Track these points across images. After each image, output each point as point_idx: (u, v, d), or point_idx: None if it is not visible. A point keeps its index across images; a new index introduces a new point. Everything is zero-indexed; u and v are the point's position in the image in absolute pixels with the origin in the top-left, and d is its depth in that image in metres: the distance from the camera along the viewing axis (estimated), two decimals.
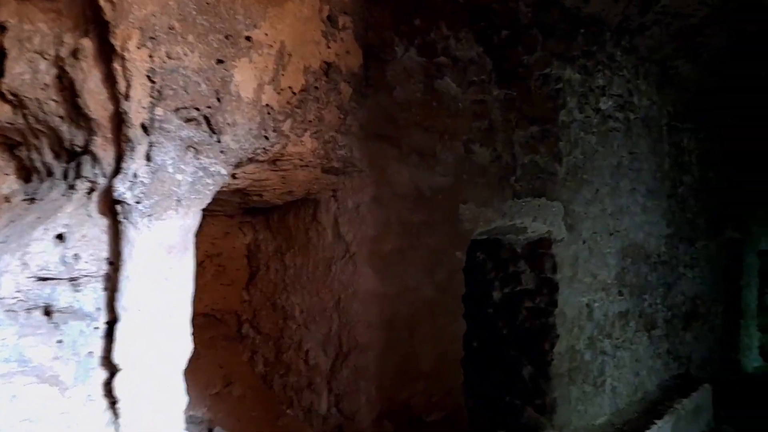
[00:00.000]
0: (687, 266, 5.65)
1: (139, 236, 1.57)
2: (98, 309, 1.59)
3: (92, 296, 1.58)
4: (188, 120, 1.69)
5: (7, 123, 1.67)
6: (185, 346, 1.71)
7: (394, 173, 2.49)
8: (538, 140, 3.43)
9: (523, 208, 3.27)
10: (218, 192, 1.97)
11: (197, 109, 1.70)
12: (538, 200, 3.39)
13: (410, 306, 2.57)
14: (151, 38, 1.58)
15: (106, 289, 1.60)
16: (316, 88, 2.13)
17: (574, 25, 3.78)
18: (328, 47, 2.17)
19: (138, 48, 1.56)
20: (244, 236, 3.13)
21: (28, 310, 1.53)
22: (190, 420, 2.64)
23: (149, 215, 1.60)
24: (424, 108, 2.64)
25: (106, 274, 1.60)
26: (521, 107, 3.29)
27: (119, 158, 1.59)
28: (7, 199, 1.76)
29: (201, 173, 1.72)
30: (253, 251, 3.09)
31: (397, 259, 2.51)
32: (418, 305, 2.61)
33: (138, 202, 1.56)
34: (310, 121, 2.10)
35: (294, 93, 2.03)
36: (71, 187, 1.62)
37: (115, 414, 1.57)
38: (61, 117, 1.63)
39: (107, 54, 1.56)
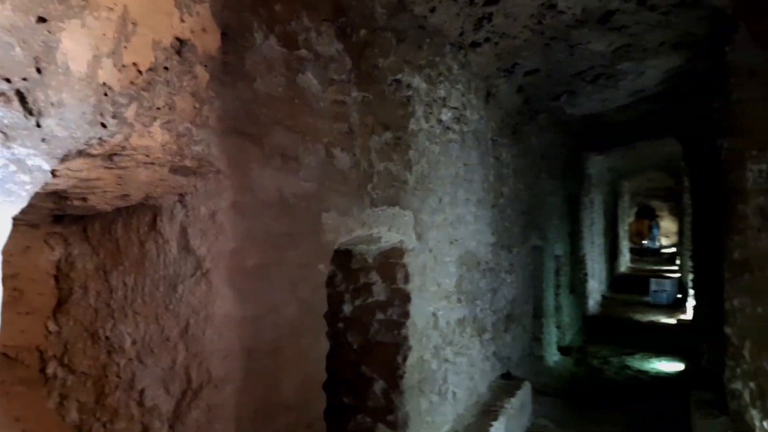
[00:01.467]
0: (507, 272, 6.06)
1: None
2: None
3: None
4: None
5: None
6: None
7: (257, 176, 2.16)
8: (391, 147, 3.33)
9: (379, 217, 3.13)
10: None
11: (7, 81, 1.23)
12: (392, 209, 3.28)
13: (273, 328, 2.25)
14: None
15: None
16: (167, 68, 1.73)
17: (421, 34, 3.77)
18: (182, 21, 1.79)
19: None
20: (51, 251, 2.50)
21: None
22: None
23: None
24: (286, 105, 2.35)
25: None
26: (377, 112, 3.16)
27: None
28: None
29: (14, 167, 1.25)
30: (64, 270, 2.49)
31: (260, 275, 2.18)
32: (281, 327, 2.30)
33: None
34: (159, 109, 1.70)
35: (140, 72, 1.62)
36: None
37: None
38: None
39: None
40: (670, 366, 8.23)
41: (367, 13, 3.06)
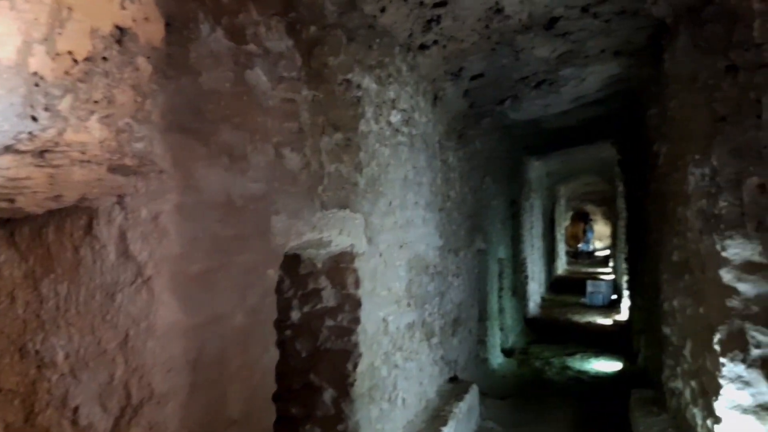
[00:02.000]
0: (454, 275, 6.08)
1: None
2: None
3: None
4: None
5: None
6: None
7: (203, 177, 2.03)
8: (342, 148, 3.25)
9: (330, 220, 3.04)
10: None
11: None
12: (343, 212, 3.20)
13: (220, 338, 2.12)
14: None
15: None
16: (105, 58, 1.59)
17: (371, 34, 3.72)
18: (123, 8, 1.65)
19: None
20: None
21: None
22: None
23: None
24: (234, 101, 2.24)
25: None
26: (327, 112, 3.07)
27: None
28: None
29: None
30: None
31: (206, 282, 2.05)
32: (228, 337, 2.17)
33: None
34: (96, 102, 1.56)
35: (76, 61, 1.48)
36: None
37: None
38: None
39: None
40: (609, 365, 8.50)
41: (318, 10, 2.97)
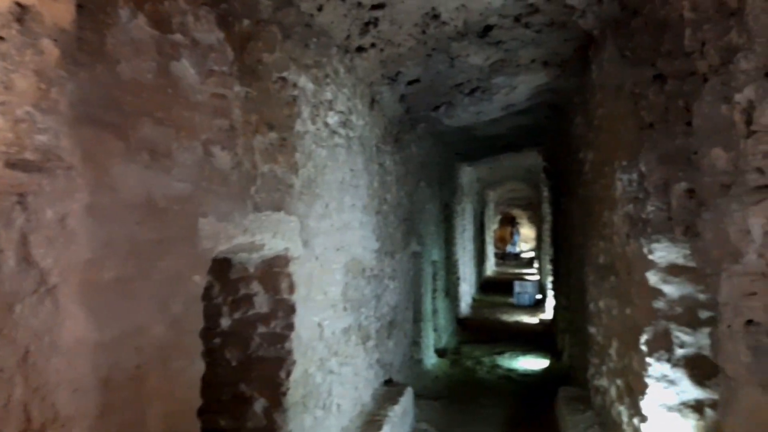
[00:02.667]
0: (390, 278, 6.02)
1: None
2: None
3: None
4: None
5: None
6: None
7: (120, 174, 1.85)
8: (277, 149, 3.10)
9: (263, 223, 2.89)
10: None
11: None
12: (277, 214, 3.06)
13: (137, 353, 1.94)
14: None
15: None
16: (2, 38, 1.40)
17: (308, 33, 3.59)
18: None
19: None
20: None
21: None
22: None
23: None
24: (157, 94, 2.06)
25: None
26: (262, 110, 2.92)
27: None
28: None
29: None
30: None
31: (121, 290, 1.86)
32: (146, 350, 1.99)
33: None
34: None
35: None
36: None
37: None
38: None
39: None
40: (536, 363, 8.72)
41: (251, 3, 2.82)
